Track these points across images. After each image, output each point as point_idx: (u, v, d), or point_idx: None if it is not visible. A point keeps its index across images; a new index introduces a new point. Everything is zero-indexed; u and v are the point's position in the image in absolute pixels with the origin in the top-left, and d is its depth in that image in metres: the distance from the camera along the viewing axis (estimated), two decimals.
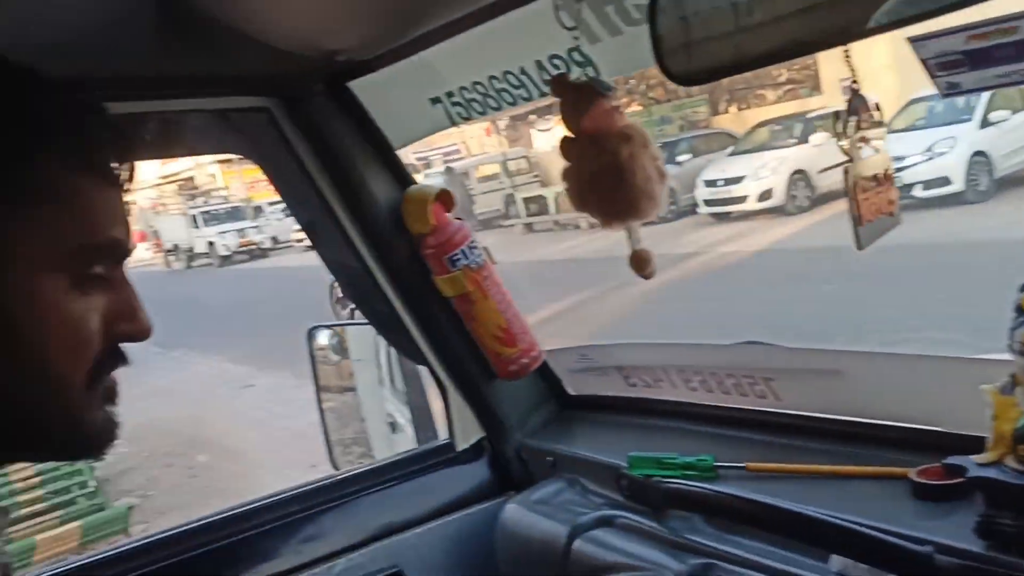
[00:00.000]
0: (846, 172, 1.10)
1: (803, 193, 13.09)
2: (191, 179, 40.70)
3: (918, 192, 10.62)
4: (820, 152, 12.76)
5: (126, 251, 0.76)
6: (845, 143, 1.10)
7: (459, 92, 1.56)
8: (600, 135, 1.23)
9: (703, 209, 14.11)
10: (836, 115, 1.09)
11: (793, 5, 0.89)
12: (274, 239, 28.67)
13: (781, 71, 22.20)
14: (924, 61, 1.03)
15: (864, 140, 1.10)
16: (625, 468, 1.43)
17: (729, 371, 1.52)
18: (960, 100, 11.41)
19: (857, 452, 1.32)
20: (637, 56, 1.19)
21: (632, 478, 1.40)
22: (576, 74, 1.31)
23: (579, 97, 1.25)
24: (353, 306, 2.24)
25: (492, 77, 1.48)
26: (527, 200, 19.05)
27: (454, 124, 1.64)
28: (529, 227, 18.73)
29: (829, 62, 15.80)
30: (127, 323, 0.76)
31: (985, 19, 0.96)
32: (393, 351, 2.32)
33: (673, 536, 1.33)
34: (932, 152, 10.81)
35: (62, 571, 1.46)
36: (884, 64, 16.88)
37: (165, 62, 1.32)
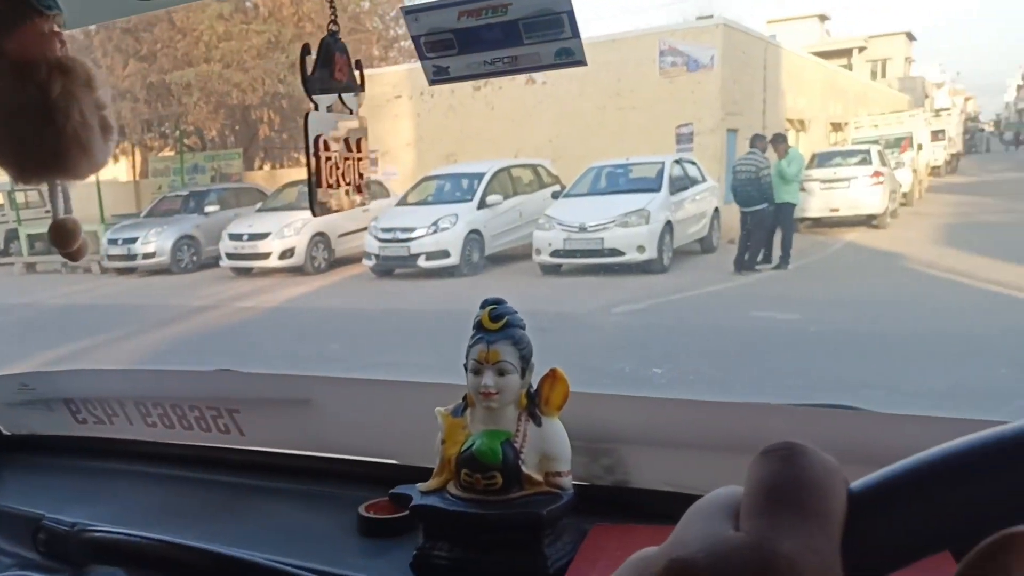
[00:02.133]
0: (306, 124, 0.94)
1: (322, 255, 13.34)
2: None
3: (422, 262, 11.45)
4: (342, 216, 13.19)
5: None
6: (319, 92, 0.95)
7: None
8: (28, 63, 0.97)
9: (225, 262, 13.64)
10: (303, 50, 0.93)
11: None
12: None
13: None
14: (415, 39, 0.96)
15: (342, 104, 1.00)
16: (46, 518, 1.18)
17: (193, 403, 1.35)
18: (464, 182, 12.67)
19: (319, 490, 1.24)
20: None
21: (52, 530, 1.15)
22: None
23: (2, 9, 0.97)
24: None
25: None
26: (32, 237, 16.63)
27: None
28: (31, 267, 16.35)
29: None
30: None
31: None
32: None
33: None
34: (437, 226, 11.73)
35: None
36: (406, 142, 18.35)
37: None
